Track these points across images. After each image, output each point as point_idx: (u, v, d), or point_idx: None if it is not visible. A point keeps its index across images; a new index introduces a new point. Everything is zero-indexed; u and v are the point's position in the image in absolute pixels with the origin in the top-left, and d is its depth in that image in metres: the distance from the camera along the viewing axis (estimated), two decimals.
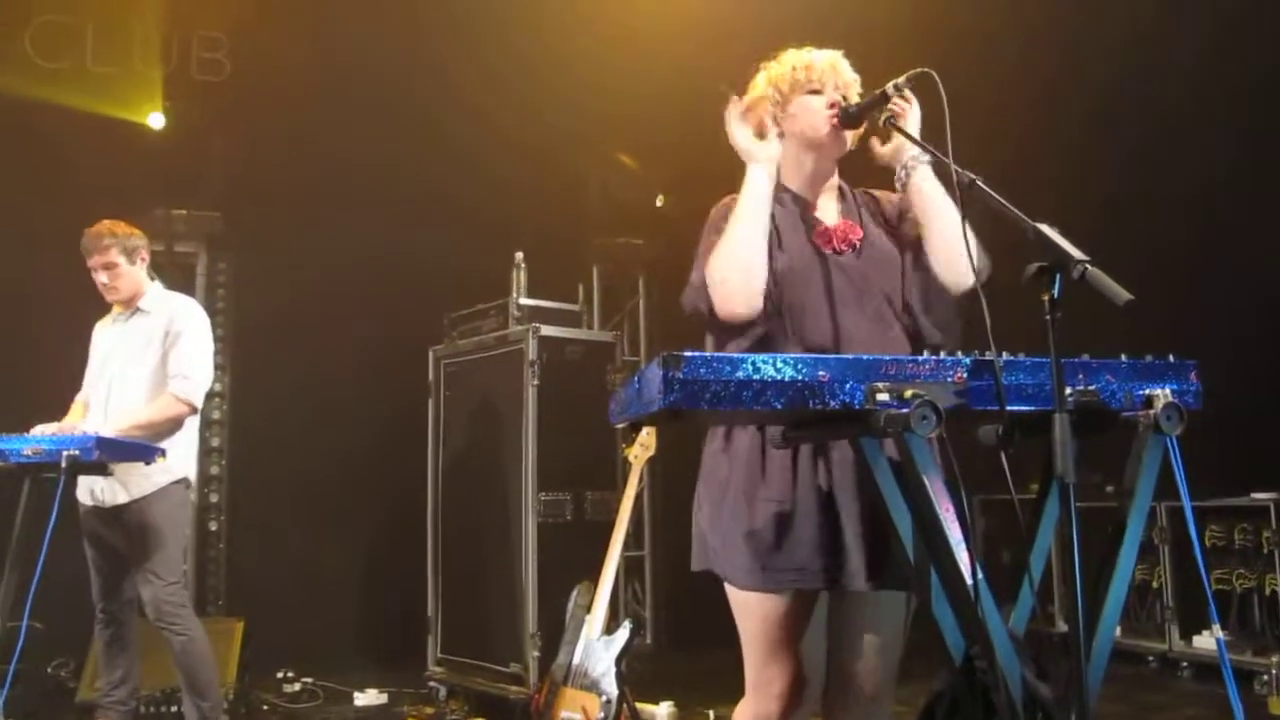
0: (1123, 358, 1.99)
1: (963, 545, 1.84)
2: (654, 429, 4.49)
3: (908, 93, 2.38)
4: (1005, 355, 1.90)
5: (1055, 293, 1.85)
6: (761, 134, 2.48)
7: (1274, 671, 5.39)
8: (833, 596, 2.44)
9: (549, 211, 7.16)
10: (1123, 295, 1.78)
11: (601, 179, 7.80)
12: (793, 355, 1.81)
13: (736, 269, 2.37)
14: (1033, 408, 1.91)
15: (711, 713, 5.20)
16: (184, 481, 4.41)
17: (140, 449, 3.95)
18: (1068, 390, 1.89)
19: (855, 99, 2.54)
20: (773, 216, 2.45)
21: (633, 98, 6.86)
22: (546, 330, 5.54)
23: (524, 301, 5.76)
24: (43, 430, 4.05)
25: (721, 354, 1.77)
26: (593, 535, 5.05)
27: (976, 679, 1.87)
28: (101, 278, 4.42)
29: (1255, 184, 6.22)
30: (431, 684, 5.87)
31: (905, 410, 1.73)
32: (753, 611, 2.44)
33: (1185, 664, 6.18)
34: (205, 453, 6.60)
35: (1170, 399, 1.93)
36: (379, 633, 6.83)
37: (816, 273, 2.46)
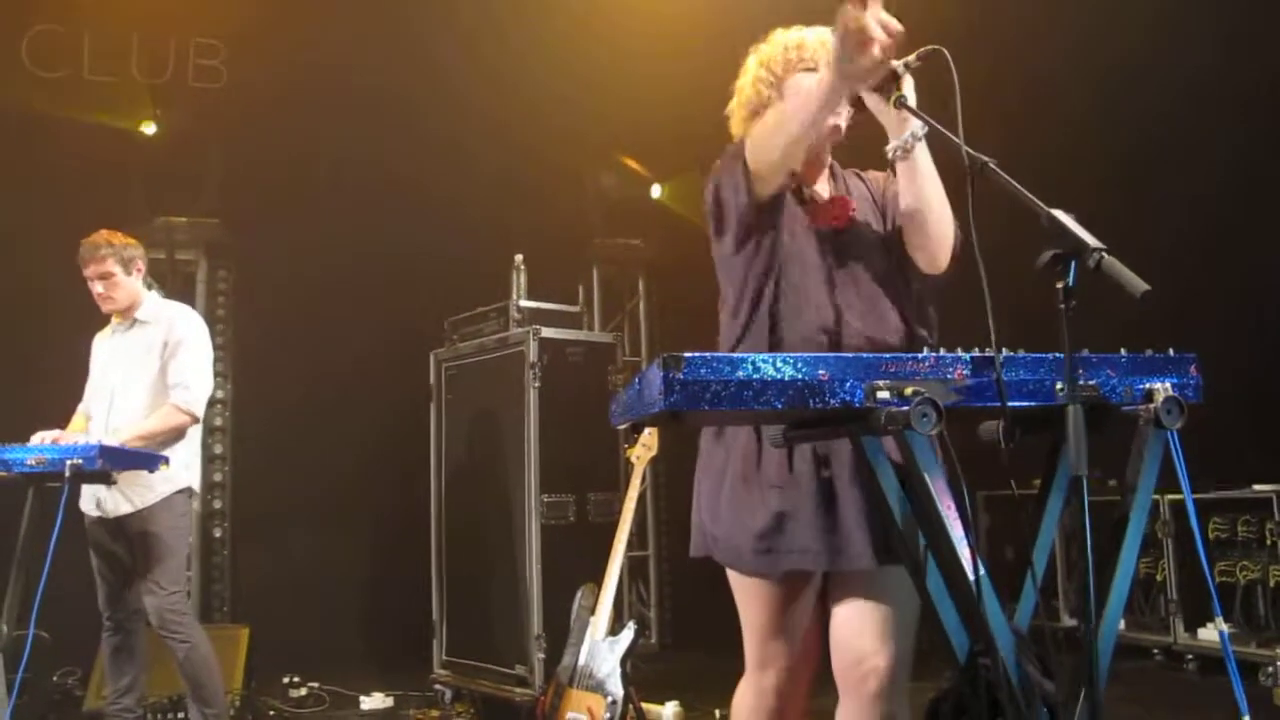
0: (1122, 352, 1.99)
1: (965, 543, 1.84)
2: (655, 429, 4.49)
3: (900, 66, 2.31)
4: (1005, 351, 1.90)
5: (1070, 281, 1.81)
6: (863, 46, 2.07)
7: (1279, 664, 5.39)
8: (835, 576, 2.44)
9: (548, 213, 7.17)
10: (1140, 285, 1.74)
11: (600, 180, 7.81)
12: (792, 354, 1.80)
13: (796, 140, 2.32)
14: (1033, 403, 1.90)
15: (717, 712, 5.21)
16: (187, 491, 4.42)
17: (144, 457, 3.96)
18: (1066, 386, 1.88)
19: None
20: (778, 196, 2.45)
21: (632, 98, 6.86)
22: (547, 332, 5.53)
23: (524, 304, 5.76)
24: (43, 437, 4.05)
25: (721, 354, 1.77)
26: (596, 536, 5.06)
27: (981, 677, 1.87)
28: (97, 287, 4.43)
29: (1261, 175, 6.22)
30: (437, 687, 5.88)
31: (905, 408, 1.73)
32: (753, 593, 2.46)
33: (1190, 657, 6.18)
34: (208, 460, 6.61)
35: (1170, 393, 1.93)
36: (384, 636, 6.85)
37: (814, 250, 2.47)
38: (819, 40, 2.54)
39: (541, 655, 5.20)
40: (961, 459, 2.24)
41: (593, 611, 4.46)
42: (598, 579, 4.52)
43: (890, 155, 2.42)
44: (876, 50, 2.04)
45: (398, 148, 6.75)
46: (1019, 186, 1.97)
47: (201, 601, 6.47)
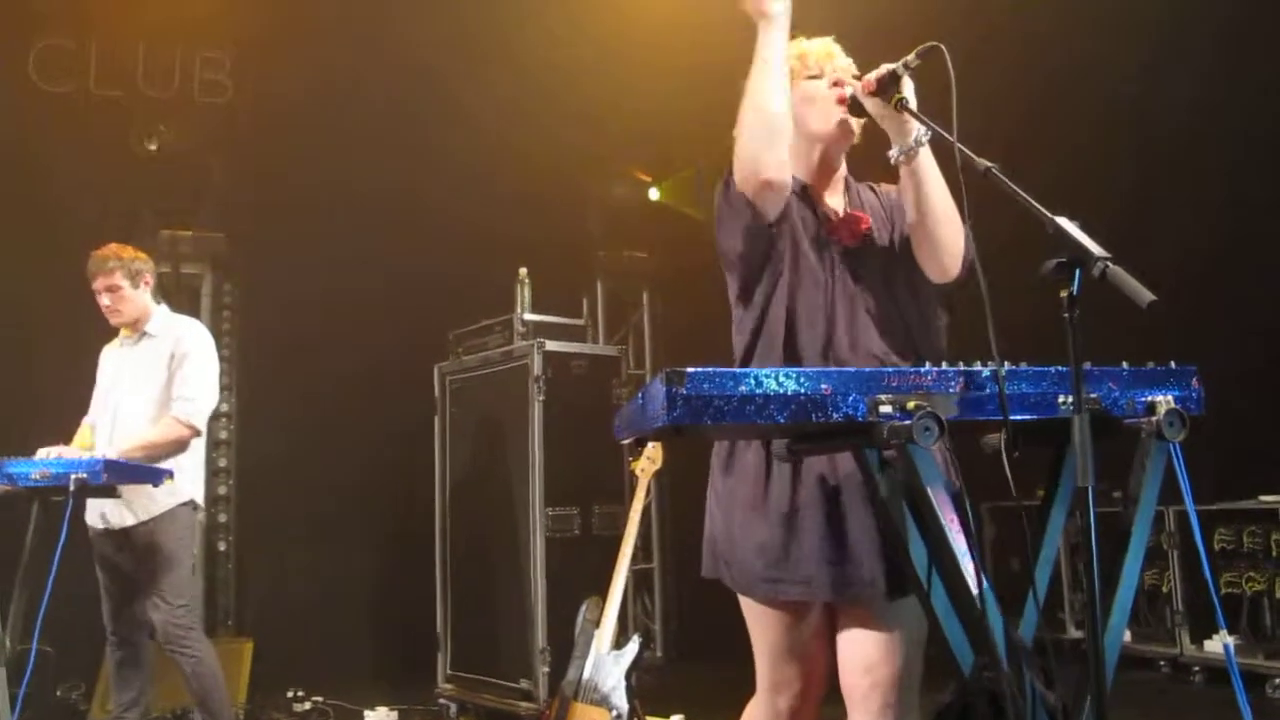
0: (1124, 365, 1.99)
1: (968, 556, 1.84)
2: (660, 443, 4.49)
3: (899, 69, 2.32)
4: (1008, 364, 1.90)
5: (1075, 290, 1.79)
6: None
7: None
8: (843, 606, 2.43)
9: (552, 227, 7.18)
10: (1146, 296, 1.72)
11: (604, 193, 7.83)
12: (795, 369, 1.81)
13: (762, 128, 2.33)
14: (1035, 416, 1.91)
15: None
16: (191, 503, 4.43)
17: (148, 472, 3.97)
18: (1069, 398, 1.88)
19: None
20: (784, 210, 2.42)
21: (636, 112, 6.89)
22: (551, 345, 5.55)
23: (528, 317, 5.77)
24: (46, 452, 4.07)
25: (725, 369, 1.77)
26: (601, 549, 5.06)
27: (986, 689, 1.87)
28: (104, 300, 4.45)
29: (1271, 184, 6.22)
30: (441, 701, 5.87)
31: (908, 422, 1.73)
32: (763, 619, 2.45)
33: (1197, 669, 6.16)
34: (213, 473, 6.61)
35: (1173, 405, 1.93)
36: (388, 650, 6.84)
37: (826, 267, 2.45)
38: (823, 50, 2.54)
39: (546, 669, 5.20)
40: (964, 470, 2.24)
41: (597, 625, 4.46)
42: (602, 592, 4.52)
43: (894, 160, 2.41)
44: None
45: (402, 162, 6.76)
46: (1022, 192, 1.96)
47: (206, 615, 6.46)
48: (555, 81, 6.72)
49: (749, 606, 2.48)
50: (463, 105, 6.71)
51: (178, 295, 6.46)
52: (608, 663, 4.35)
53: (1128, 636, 5.88)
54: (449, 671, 5.90)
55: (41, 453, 4.06)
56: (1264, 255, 6.27)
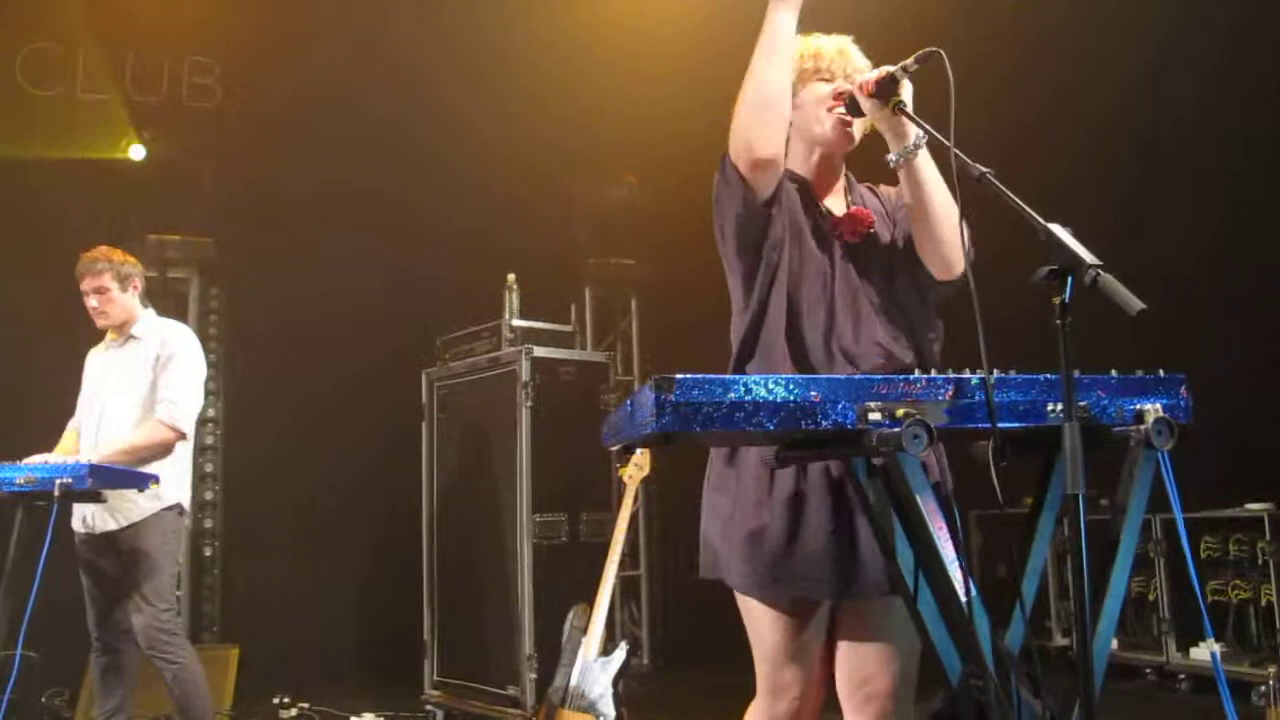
0: (1113, 373, 1.99)
1: (956, 564, 1.84)
2: (648, 449, 4.49)
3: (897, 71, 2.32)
4: (997, 372, 1.91)
5: (1067, 297, 1.80)
6: None
7: (1271, 683, 5.38)
8: (843, 606, 2.43)
9: (540, 233, 7.18)
10: (1135, 304, 1.74)
11: (593, 199, 7.83)
12: (785, 375, 1.81)
13: (757, 105, 2.36)
14: (1025, 424, 1.91)
15: None
16: (177, 508, 4.40)
17: (133, 477, 3.94)
18: (1058, 406, 1.88)
19: None
20: (780, 198, 2.43)
21: (624, 118, 6.89)
22: (539, 351, 5.54)
23: (516, 323, 5.76)
24: (34, 462, 4.04)
25: (714, 376, 1.77)
26: (588, 556, 5.06)
27: (973, 698, 1.87)
28: (92, 301, 4.44)
29: (1259, 194, 6.24)
30: (428, 707, 5.85)
31: (897, 429, 1.73)
32: (763, 620, 2.44)
33: (1183, 676, 6.17)
34: (199, 478, 6.59)
35: (1161, 414, 1.93)
36: (375, 656, 6.82)
37: (828, 265, 2.46)
38: (836, 49, 2.55)
39: (533, 676, 5.19)
40: (954, 478, 2.24)
41: (585, 632, 4.45)
42: (590, 599, 4.51)
43: (892, 164, 2.42)
44: None
45: (391, 167, 6.76)
46: (1016, 199, 1.96)
47: (191, 621, 6.44)
48: (545, 87, 6.73)
49: (748, 608, 2.46)
50: (452, 110, 6.71)
51: (164, 300, 6.43)
52: (595, 670, 4.34)
53: (1114, 644, 5.91)
54: (436, 678, 5.88)
55: (28, 462, 4.04)
56: (1258, 259, 6.29)
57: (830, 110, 2.50)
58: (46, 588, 3.55)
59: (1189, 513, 5.73)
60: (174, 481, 4.36)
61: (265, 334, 6.77)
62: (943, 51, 2.17)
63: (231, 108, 6.85)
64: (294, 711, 5.92)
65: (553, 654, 4.60)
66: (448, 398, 6.05)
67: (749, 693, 2.52)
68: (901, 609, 2.26)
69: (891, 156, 2.41)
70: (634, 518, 5.99)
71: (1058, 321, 1.82)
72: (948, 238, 2.39)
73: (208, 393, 4.68)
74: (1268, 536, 5.74)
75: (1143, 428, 1.92)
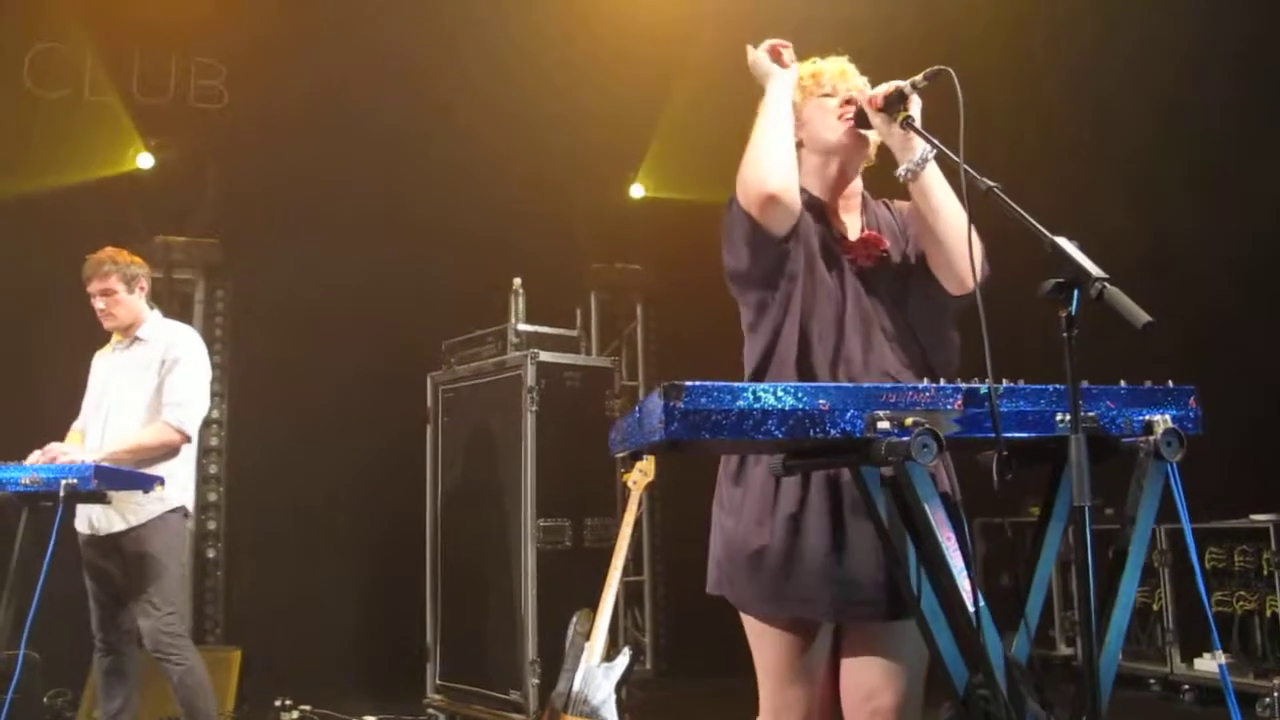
0: (1122, 384, 1.99)
1: (964, 573, 1.84)
2: (653, 455, 4.48)
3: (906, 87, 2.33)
4: (1005, 382, 1.90)
5: (1073, 310, 1.80)
6: (779, 62, 2.54)
7: (1276, 695, 5.37)
8: (847, 629, 2.42)
9: (547, 238, 7.18)
10: (1142, 317, 1.73)
11: (598, 205, 7.82)
12: (793, 384, 1.80)
13: (762, 155, 2.39)
14: (1033, 434, 1.90)
15: None
16: (181, 510, 4.41)
17: (138, 478, 3.94)
18: (1067, 417, 1.88)
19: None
20: (797, 229, 2.42)
21: (630, 124, 6.90)
22: (545, 356, 5.54)
23: (522, 327, 5.76)
24: (37, 456, 4.05)
25: (722, 383, 1.76)
26: (592, 561, 5.05)
27: (979, 708, 1.86)
28: (99, 303, 4.44)
29: (1260, 208, 6.24)
30: (430, 711, 5.85)
31: (905, 439, 1.73)
32: (767, 638, 2.43)
33: (1187, 687, 6.16)
34: (203, 480, 6.59)
35: (1170, 425, 1.93)
36: (377, 660, 6.81)
37: (842, 288, 2.44)
38: (837, 70, 2.56)
39: (536, 681, 5.18)
40: (962, 486, 2.23)
41: (588, 637, 4.44)
42: (593, 604, 4.51)
43: (900, 178, 2.41)
44: (789, 55, 2.54)
45: (398, 170, 6.76)
46: (1023, 212, 1.96)
47: (195, 623, 6.44)
48: (550, 93, 6.73)
49: (752, 626, 2.45)
50: (458, 114, 6.72)
51: (170, 301, 6.45)
52: (598, 675, 4.34)
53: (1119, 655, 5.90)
54: (438, 682, 5.88)
55: (32, 458, 4.04)
56: (1265, 276, 6.29)
57: (841, 117, 2.50)
58: (51, 588, 3.55)
59: (1194, 524, 5.74)
60: (179, 484, 4.36)
61: (270, 336, 6.77)
62: (951, 70, 2.19)
63: (238, 110, 6.86)
64: (296, 714, 5.90)
65: (556, 659, 4.59)
66: (452, 402, 6.04)
67: (752, 700, 2.51)
68: (906, 626, 2.26)
69: (900, 170, 2.41)
70: (638, 523, 5.98)
71: (1064, 334, 1.82)
72: (959, 251, 2.37)
73: (212, 395, 4.69)
74: (1273, 547, 5.72)
75: (1152, 439, 1.91)
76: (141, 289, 4.52)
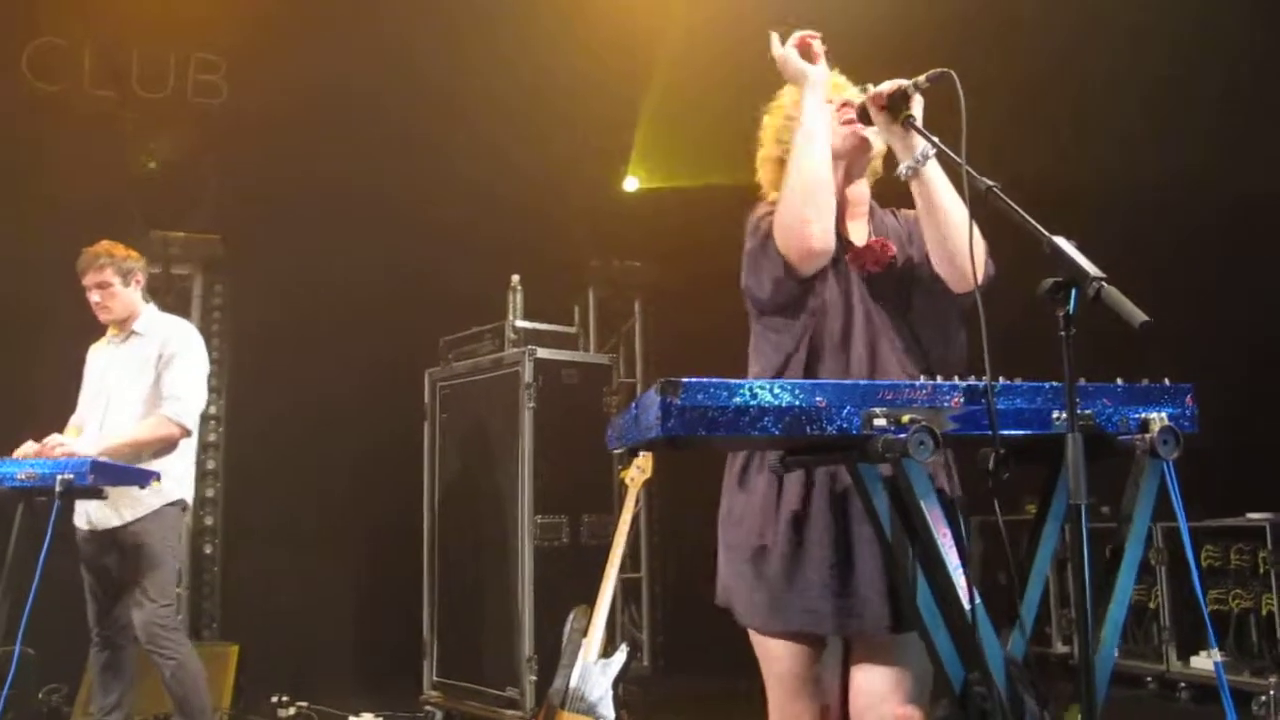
0: (1119, 382, 1.99)
1: (960, 571, 1.83)
2: (650, 452, 4.48)
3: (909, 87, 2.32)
4: (1002, 380, 1.90)
5: (1071, 309, 1.81)
6: (809, 57, 2.45)
7: (1271, 693, 5.38)
8: (854, 639, 2.41)
9: (546, 234, 7.17)
10: (1139, 316, 1.74)
11: (597, 201, 7.82)
12: (790, 380, 1.80)
13: (807, 191, 2.35)
14: (1030, 432, 1.90)
15: None
16: (180, 504, 4.40)
17: (135, 473, 3.93)
18: (1063, 414, 1.88)
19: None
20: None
21: (630, 121, 6.89)
22: (542, 353, 5.54)
23: (520, 324, 5.76)
24: (25, 451, 4.04)
25: (720, 380, 1.76)
26: (589, 558, 5.06)
27: (976, 706, 1.86)
28: (94, 296, 4.44)
29: (1264, 204, 6.22)
30: (427, 708, 5.84)
31: (902, 436, 1.73)
32: (771, 652, 2.43)
33: (1183, 685, 6.16)
34: (200, 475, 6.56)
35: (1166, 423, 1.93)
36: (374, 656, 6.80)
37: (851, 295, 2.44)
38: (830, 83, 2.53)
39: (533, 677, 5.18)
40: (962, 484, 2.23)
41: (585, 634, 4.44)
42: (591, 601, 4.51)
43: (902, 175, 2.41)
44: (818, 45, 2.46)
45: (396, 167, 6.74)
46: (1022, 212, 1.96)
47: (191, 618, 6.44)
48: (551, 88, 6.72)
49: (757, 639, 2.45)
50: (458, 110, 6.71)
51: (168, 296, 6.44)
52: (594, 672, 4.34)
53: (1116, 653, 5.91)
54: (435, 678, 5.87)
55: (24, 448, 4.04)
56: (1258, 273, 6.29)
57: (842, 121, 2.50)
58: (47, 584, 3.54)
59: (1192, 522, 5.75)
60: (177, 477, 4.36)
61: (268, 331, 6.76)
62: (953, 73, 2.19)
63: (237, 106, 6.84)
64: (292, 710, 5.91)
65: (552, 656, 4.59)
66: (450, 398, 6.04)
67: (749, 698, 2.51)
68: (912, 636, 2.24)
69: (901, 168, 2.40)
70: (635, 520, 5.98)
71: (1061, 333, 1.82)
72: (960, 248, 2.36)
73: (210, 389, 4.68)
74: (1269, 546, 5.73)
75: (1148, 437, 1.91)
76: (137, 283, 4.51)
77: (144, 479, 3.95)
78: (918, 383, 1.86)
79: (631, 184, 7.96)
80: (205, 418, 6.06)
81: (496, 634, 5.45)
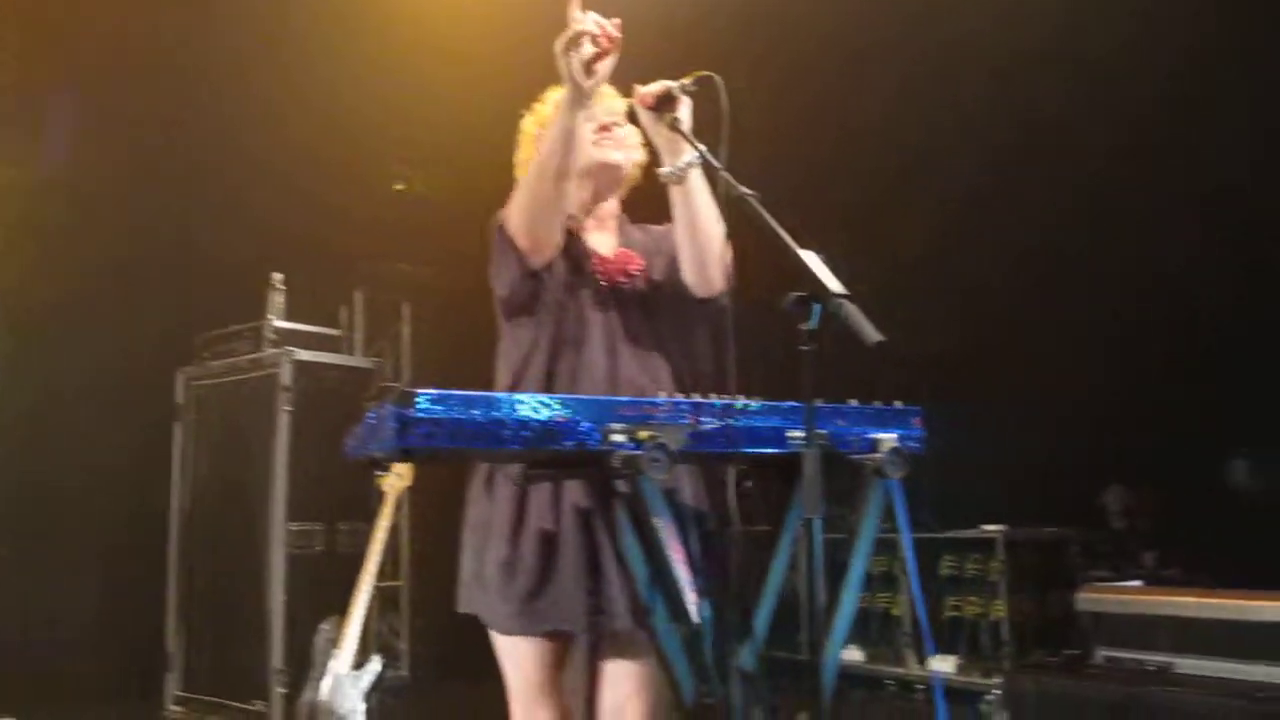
0: (852, 403, 2.07)
1: (690, 587, 1.87)
2: None
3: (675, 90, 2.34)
4: (741, 399, 1.95)
5: (813, 324, 1.85)
6: (590, 70, 2.24)
7: (997, 692, 5.73)
8: (597, 636, 2.43)
9: (314, 231, 6.92)
10: (872, 335, 1.78)
11: (367, 197, 7.63)
12: (530, 394, 1.80)
13: (545, 198, 2.34)
14: (766, 450, 1.96)
15: None
16: None
17: None
18: (799, 434, 1.94)
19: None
20: (556, 261, 2.45)
21: (402, 119, 6.76)
22: (303, 355, 5.40)
23: (279, 324, 5.58)
24: None
25: (459, 393, 1.74)
26: (346, 567, 4.94)
27: (706, 717, 1.90)
28: None
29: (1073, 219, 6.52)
30: None
31: (639, 452, 1.75)
32: (516, 655, 2.42)
33: (920, 686, 6.48)
34: None
35: (895, 444, 2.02)
36: (112, 670, 6.42)
37: (593, 307, 2.47)
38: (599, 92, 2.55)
39: (283, 690, 5.02)
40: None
41: (337, 644, 4.33)
42: (346, 610, 4.41)
43: (664, 178, 2.44)
44: (587, 45, 2.20)
45: (156, 135, 6.33)
46: (774, 223, 1.99)
47: None
48: (323, 84, 6.51)
49: (502, 645, 2.44)
50: (225, 96, 6.39)
51: None
52: (346, 683, 4.25)
53: (861, 656, 6.15)
54: (177, 693, 5.61)
55: None
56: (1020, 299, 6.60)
57: (596, 144, 2.52)
58: None
59: (932, 534, 6.06)
60: None
61: (2, 321, 6.28)
62: (717, 77, 2.22)
63: None
64: None
65: (304, 668, 4.46)
66: (205, 398, 5.80)
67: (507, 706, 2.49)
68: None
69: (664, 170, 2.44)
70: (395, 528, 5.88)
71: (803, 348, 1.86)
72: (711, 255, 2.42)
73: None
74: (999, 556, 6.10)
75: (877, 456, 2.00)
76: None
77: None
78: (659, 399, 1.89)
79: (402, 184, 7.81)
80: None
81: (245, 645, 5.26)
